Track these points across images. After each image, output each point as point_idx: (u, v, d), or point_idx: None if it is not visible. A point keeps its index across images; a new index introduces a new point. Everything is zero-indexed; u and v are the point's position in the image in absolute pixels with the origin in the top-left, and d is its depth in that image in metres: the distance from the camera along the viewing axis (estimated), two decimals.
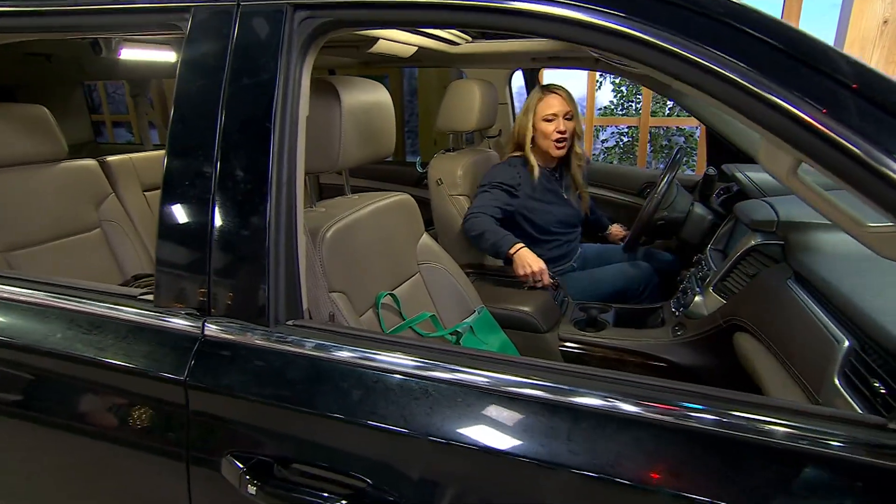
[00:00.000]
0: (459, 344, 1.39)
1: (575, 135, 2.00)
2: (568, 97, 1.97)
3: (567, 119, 1.96)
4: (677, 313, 1.57)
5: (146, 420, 0.90)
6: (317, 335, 0.85)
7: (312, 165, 1.09)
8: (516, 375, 0.74)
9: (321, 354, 0.83)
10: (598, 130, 4.91)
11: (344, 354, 0.82)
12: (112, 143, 5.54)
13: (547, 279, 1.75)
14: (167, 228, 0.91)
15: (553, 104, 1.96)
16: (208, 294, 0.89)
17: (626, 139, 5.10)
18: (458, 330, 1.43)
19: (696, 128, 4.49)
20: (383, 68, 3.75)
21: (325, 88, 1.12)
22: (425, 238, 1.51)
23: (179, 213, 0.90)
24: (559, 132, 1.94)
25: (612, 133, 5.11)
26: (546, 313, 1.63)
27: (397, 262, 1.40)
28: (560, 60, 2.17)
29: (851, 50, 2.72)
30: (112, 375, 0.91)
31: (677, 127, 4.56)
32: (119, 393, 0.92)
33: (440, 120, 2.07)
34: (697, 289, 1.52)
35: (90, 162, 1.88)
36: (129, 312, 0.94)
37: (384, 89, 1.30)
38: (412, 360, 0.78)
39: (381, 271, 1.32)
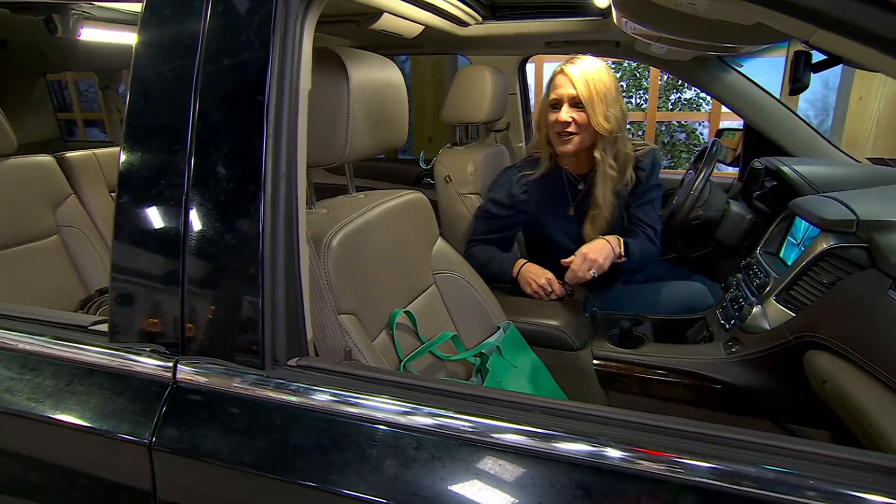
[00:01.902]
0: (486, 368, 1.18)
1: (592, 129, 1.47)
2: (581, 76, 1.45)
3: (575, 107, 1.47)
4: (728, 326, 1.38)
5: (97, 498, 0.67)
6: (330, 381, 0.63)
7: (313, 157, 0.88)
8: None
9: (338, 408, 0.61)
10: None
11: (370, 409, 0.60)
12: (84, 141, 5.23)
13: (558, 288, 1.52)
14: (126, 240, 0.68)
15: (557, 85, 1.49)
16: (182, 325, 0.67)
17: None
18: (483, 351, 1.22)
19: (699, 123, 4.34)
20: None
21: (328, 60, 0.90)
22: (440, 243, 1.30)
23: (142, 220, 0.68)
24: (561, 122, 1.48)
25: None
26: (578, 328, 1.43)
27: (411, 272, 1.18)
28: (577, 45, 1.97)
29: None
30: (51, 435, 0.68)
31: (679, 122, 4.41)
32: (60, 459, 0.69)
33: (446, 110, 1.85)
34: (753, 298, 1.32)
35: (45, 158, 1.62)
36: (75, 350, 0.71)
37: (395, 66, 1.08)
38: (469, 417, 0.57)
39: (394, 284, 1.11)
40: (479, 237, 1.68)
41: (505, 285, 1.60)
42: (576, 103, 1.47)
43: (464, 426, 0.57)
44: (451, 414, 0.57)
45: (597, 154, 1.51)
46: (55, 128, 2.92)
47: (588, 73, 1.47)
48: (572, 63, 1.50)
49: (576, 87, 1.46)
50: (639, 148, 1.61)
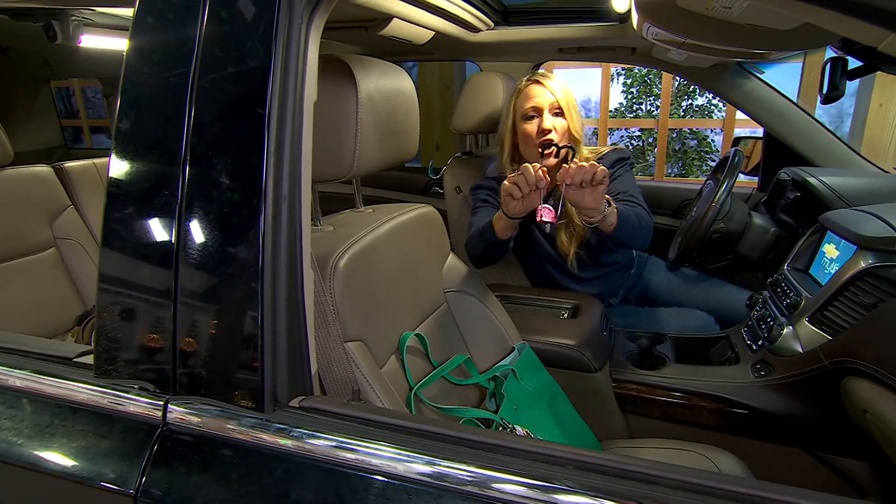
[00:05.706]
0: (502, 393, 1.11)
1: (572, 137, 1.46)
2: (557, 85, 1.46)
3: (556, 115, 1.45)
4: (755, 347, 1.31)
5: None
6: (337, 426, 0.57)
7: (318, 172, 0.82)
8: None
9: (344, 457, 0.54)
10: (610, 133, 4.60)
11: (381, 459, 0.53)
12: (90, 148, 5.21)
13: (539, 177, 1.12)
14: (114, 267, 0.62)
15: (533, 95, 1.45)
16: (173, 361, 0.60)
17: (635, 143, 4.85)
18: (498, 374, 1.15)
19: (711, 130, 4.27)
20: None
21: (335, 68, 0.84)
22: (452, 259, 1.24)
23: (132, 245, 0.62)
24: (543, 130, 1.43)
25: (622, 136, 4.85)
26: (596, 347, 1.36)
27: (422, 291, 1.12)
28: (591, 51, 1.91)
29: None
30: (26, 482, 0.62)
31: (690, 130, 4.33)
32: None
33: (457, 119, 1.80)
34: (783, 318, 1.25)
35: (43, 168, 1.57)
36: (56, 385, 0.65)
37: (406, 74, 1.03)
38: (499, 474, 0.50)
39: (404, 305, 1.04)
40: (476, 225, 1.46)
41: (508, 295, 1.51)
42: (556, 111, 1.46)
43: (489, 482, 0.50)
44: (472, 469, 0.51)
45: (575, 159, 1.38)
46: (59, 135, 2.88)
47: (562, 84, 1.49)
48: (543, 76, 1.50)
49: (555, 95, 1.45)
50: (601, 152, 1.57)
